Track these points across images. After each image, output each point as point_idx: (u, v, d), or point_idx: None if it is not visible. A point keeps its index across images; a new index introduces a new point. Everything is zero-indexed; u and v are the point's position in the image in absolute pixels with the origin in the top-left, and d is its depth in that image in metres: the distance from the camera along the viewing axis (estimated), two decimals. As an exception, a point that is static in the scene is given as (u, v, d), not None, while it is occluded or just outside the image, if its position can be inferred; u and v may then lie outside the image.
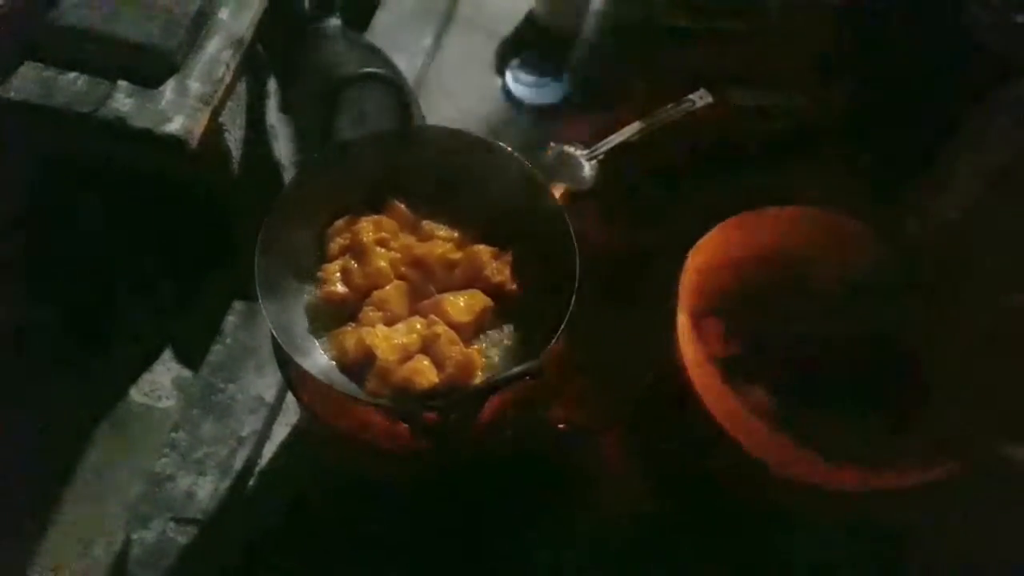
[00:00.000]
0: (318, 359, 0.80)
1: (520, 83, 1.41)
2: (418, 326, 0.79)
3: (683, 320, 0.85)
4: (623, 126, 1.09)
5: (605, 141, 1.08)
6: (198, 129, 1.04)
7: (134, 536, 1.03)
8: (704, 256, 0.88)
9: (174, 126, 1.02)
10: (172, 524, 1.04)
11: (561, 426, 1.02)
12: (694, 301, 0.88)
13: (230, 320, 1.18)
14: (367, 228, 0.84)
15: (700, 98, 1.08)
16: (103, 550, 1.12)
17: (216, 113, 1.09)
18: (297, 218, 0.83)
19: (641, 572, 0.98)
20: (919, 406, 0.85)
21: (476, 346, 0.81)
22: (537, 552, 0.99)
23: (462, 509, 1.00)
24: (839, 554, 0.94)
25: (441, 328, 0.78)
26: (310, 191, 0.83)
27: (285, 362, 0.82)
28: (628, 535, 0.99)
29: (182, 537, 1.03)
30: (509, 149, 0.84)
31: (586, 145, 1.09)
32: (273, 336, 0.76)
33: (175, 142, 1.02)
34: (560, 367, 0.84)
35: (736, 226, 0.90)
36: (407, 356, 0.77)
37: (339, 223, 0.86)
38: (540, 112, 1.39)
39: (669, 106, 1.09)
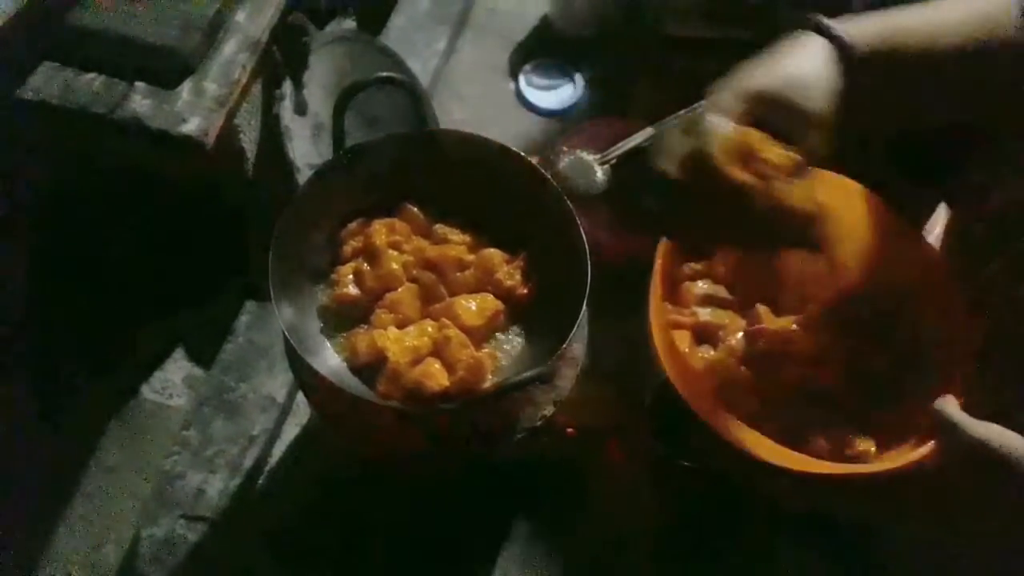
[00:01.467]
0: (329, 360, 0.80)
1: (533, 87, 1.41)
2: (429, 329, 0.79)
3: (656, 301, 0.80)
4: (636, 131, 1.09)
5: (617, 146, 1.08)
6: (214, 130, 1.05)
7: (144, 533, 1.04)
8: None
9: (190, 127, 1.03)
10: (182, 522, 1.04)
11: (570, 430, 1.02)
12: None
13: (242, 320, 1.19)
14: (380, 231, 0.84)
15: (712, 104, 1.08)
16: (113, 547, 1.13)
17: (232, 114, 1.10)
18: (310, 220, 0.84)
19: (646, 572, 0.98)
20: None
21: (487, 350, 0.81)
22: (545, 554, 0.99)
23: (470, 511, 1.01)
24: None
25: (452, 331, 0.78)
26: (323, 193, 0.84)
27: (297, 362, 0.82)
28: (635, 536, 0.99)
29: (192, 535, 1.04)
30: (522, 153, 0.84)
31: (598, 150, 1.09)
32: (285, 336, 0.76)
33: (191, 143, 1.03)
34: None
35: None
36: (418, 359, 0.77)
37: (352, 225, 0.86)
38: (553, 117, 1.39)
39: (681, 112, 1.09)
